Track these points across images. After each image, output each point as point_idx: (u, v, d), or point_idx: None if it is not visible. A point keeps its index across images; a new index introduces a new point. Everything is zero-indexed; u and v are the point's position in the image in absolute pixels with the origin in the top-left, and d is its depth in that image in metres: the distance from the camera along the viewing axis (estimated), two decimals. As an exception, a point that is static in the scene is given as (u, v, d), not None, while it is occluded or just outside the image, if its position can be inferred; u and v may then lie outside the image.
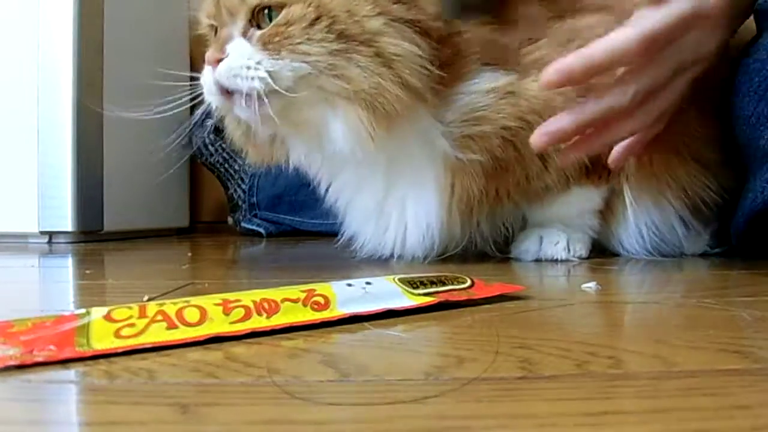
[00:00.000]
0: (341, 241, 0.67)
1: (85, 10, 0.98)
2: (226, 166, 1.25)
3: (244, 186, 1.22)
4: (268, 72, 0.49)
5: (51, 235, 0.98)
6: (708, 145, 0.61)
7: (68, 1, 0.96)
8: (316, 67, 0.50)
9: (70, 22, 0.96)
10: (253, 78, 0.49)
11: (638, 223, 0.63)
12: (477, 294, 0.36)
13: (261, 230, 1.18)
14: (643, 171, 0.61)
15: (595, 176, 0.62)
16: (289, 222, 1.17)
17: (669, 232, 0.63)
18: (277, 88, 0.49)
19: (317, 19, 0.49)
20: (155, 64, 1.21)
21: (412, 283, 0.35)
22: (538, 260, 0.63)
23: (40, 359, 0.24)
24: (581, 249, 0.63)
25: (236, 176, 1.23)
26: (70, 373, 0.24)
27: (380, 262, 0.63)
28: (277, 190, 1.17)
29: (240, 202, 1.22)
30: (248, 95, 0.50)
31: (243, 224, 1.21)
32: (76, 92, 0.96)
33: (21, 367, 0.24)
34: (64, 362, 0.25)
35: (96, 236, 1.02)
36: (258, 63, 0.50)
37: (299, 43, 0.49)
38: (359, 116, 0.51)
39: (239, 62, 0.50)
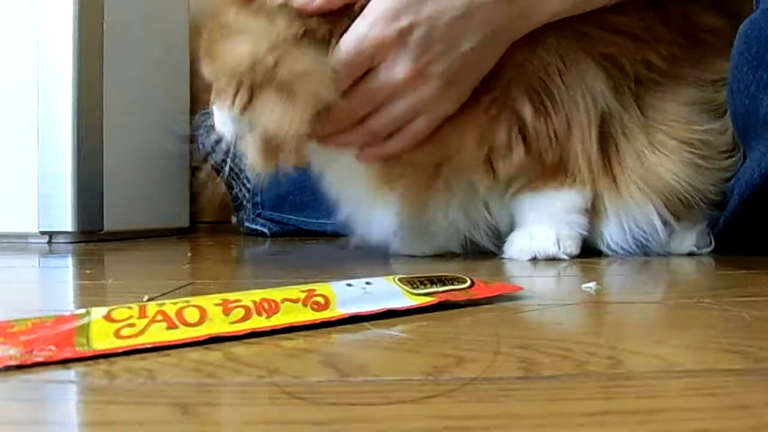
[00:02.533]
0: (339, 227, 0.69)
1: (85, 10, 0.98)
2: (231, 165, 1.25)
3: (249, 185, 1.22)
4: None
5: (51, 235, 0.98)
6: (686, 146, 0.61)
7: (68, 1, 0.96)
8: (239, 127, 0.58)
9: (70, 22, 0.96)
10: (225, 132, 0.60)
11: (620, 220, 0.63)
12: (477, 294, 0.36)
13: (265, 230, 1.18)
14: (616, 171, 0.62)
15: (562, 177, 0.63)
16: (293, 222, 1.17)
17: (650, 230, 0.63)
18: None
19: (228, 86, 0.55)
20: (155, 64, 1.22)
21: (412, 283, 0.35)
22: (534, 259, 0.63)
23: (40, 359, 0.24)
24: (571, 246, 0.63)
25: (241, 176, 1.23)
26: (70, 373, 0.24)
27: (380, 262, 0.63)
28: (281, 191, 1.17)
29: (244, 202, 1.22)
30: None
31: (247, 224, 1.21)
32: (76, 92, 0.96)
33: (21, 367, 0.24)
34: (64, 362, 0.25)
35: (96, 236, 1.02)
36: (222, 122, 0.59)
37: (224, 109, 0.57)
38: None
39: (215, 119, 0.60)
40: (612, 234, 0.64)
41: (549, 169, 0.63)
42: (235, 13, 0.55)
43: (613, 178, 0.63)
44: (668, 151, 0.61)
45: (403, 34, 0.54)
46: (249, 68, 0.53)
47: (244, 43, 0.54)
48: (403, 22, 0.54)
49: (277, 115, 0.53)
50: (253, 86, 0.54)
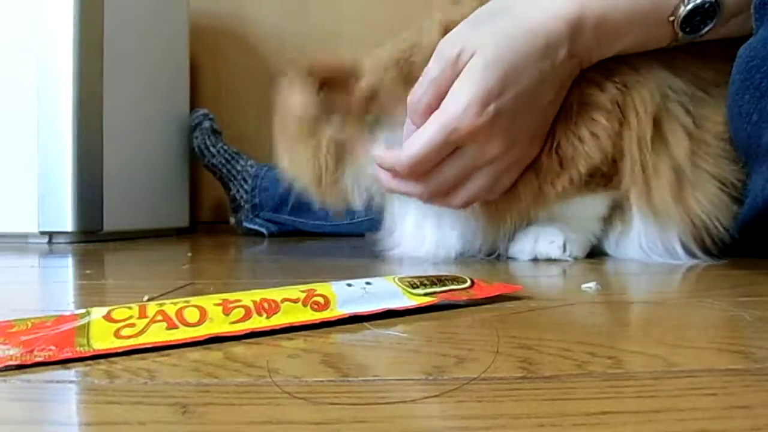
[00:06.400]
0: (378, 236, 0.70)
1: (85, 10, 0.98)
2: (228, 167, 1.25)
3: (246, 186, 1.22)
4: None
5: (51, 235, 0.98)
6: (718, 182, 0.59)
7: (68, 1, 0.96)
8: None
9: (70, 22, 0.96)
10: None
11: (641, 240, 0.62)
12: (477, 294, 0.36)
13: (263, 230, 1.18)
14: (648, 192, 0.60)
15: (593, 185, 0.62)
16: (291, 223, 1.17)
17: (670, 252, 0.61)
18: None
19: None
20: (155, 64, 1.22)
21: (412, 283, 0.35)
22: (535, 259, 0.63)
23: (40, 359, 0.24)
24: (577, 251, 0.63)
25: (239, 177, 1.23)
26: (70, 373, 0.24)
27: (380, 262, 0.63)
28: (280, 192, 1.18)
29: (243, 203, 1.22)
30: None
31: (245, 224, 1.21)
32: (76, 92, 0.97)
33: (21, 367, 0.24)
34: (64, 362, 0.25)
35: (96, 236, 1.02)
36: None
37: None
38: None
39: None
40: (629, 251, 0.64)
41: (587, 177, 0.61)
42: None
43: (648, 190, 0.60)
44: (703, 183, 0.59)
45: (493, 120, 0.55)
46: None
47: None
48: (491, 108, 0.54)
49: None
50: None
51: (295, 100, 0.65)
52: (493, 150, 0.57)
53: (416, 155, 0.56)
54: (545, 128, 0.60)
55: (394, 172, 0.59)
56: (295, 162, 0.66)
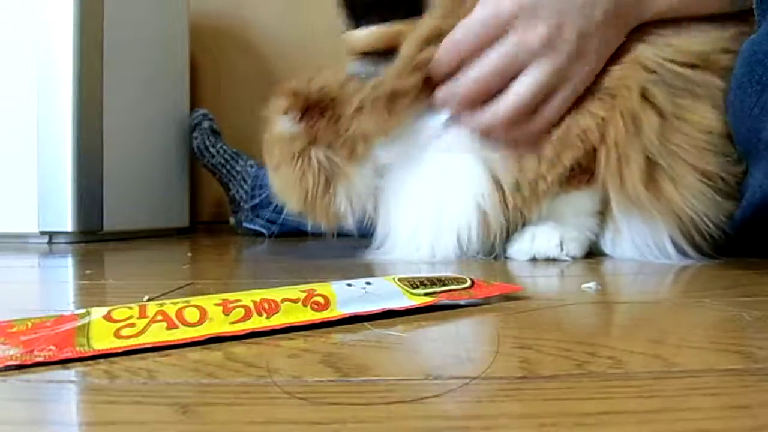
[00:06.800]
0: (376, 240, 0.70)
1: (85, 10, 0.98)
2: (228, 167, 1.25)
3: (246, 186, 1.22)
4: None
5: (51, 235, 0.98)
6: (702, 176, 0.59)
7: (68, 1, 0.96)
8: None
9: (70, 22, 0.96)
10: None
11: (631, 234, 0.62)
12: (477, 294, 0.36)
13: (263, 230, 1.18)
14: (626, 184, 0.60)
15: (575, 181, 0.62)
16: (291, 222, 1.17)
17: (661, 250, 0.61)
18: None
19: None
20: (155, 64, 1.22)
21: (412, 283, 0.35)
22: (534, 259, 0.63)
23: (40, 359, 0.24)
24: (575, 249, 0.63)
25: (238, 177, 1.23)
26: (70, 373, 0.24)
27: (380, 262, 0.63)
28: None
29: (242, 203, 1.22)
30: None
31: (245, 225, 1.21)
32: (76, 92, 0.96)
33: (21, 367, 0.24)
34: (64, 362, 0.25)
35: (96, 236, 1.02)
36: None
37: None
38: None
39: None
40: (624, 249, 0.64)
41: (576, 172, 0.62)
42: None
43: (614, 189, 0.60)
44: (684, 176, 0.58)
45: (534, 6, 0.57)
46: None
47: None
48: None
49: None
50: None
51: (279, 125, 0.66)
52: (534, 39, 0.57)
53: (458, 40, 0.59)
54: (592, 48, 0.58)
55: (439, 64, 0.61)
56: (283, 186, 0.67)
